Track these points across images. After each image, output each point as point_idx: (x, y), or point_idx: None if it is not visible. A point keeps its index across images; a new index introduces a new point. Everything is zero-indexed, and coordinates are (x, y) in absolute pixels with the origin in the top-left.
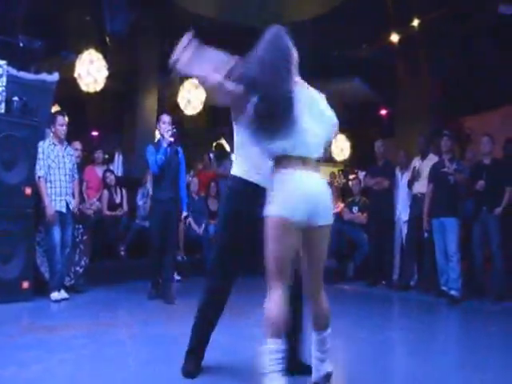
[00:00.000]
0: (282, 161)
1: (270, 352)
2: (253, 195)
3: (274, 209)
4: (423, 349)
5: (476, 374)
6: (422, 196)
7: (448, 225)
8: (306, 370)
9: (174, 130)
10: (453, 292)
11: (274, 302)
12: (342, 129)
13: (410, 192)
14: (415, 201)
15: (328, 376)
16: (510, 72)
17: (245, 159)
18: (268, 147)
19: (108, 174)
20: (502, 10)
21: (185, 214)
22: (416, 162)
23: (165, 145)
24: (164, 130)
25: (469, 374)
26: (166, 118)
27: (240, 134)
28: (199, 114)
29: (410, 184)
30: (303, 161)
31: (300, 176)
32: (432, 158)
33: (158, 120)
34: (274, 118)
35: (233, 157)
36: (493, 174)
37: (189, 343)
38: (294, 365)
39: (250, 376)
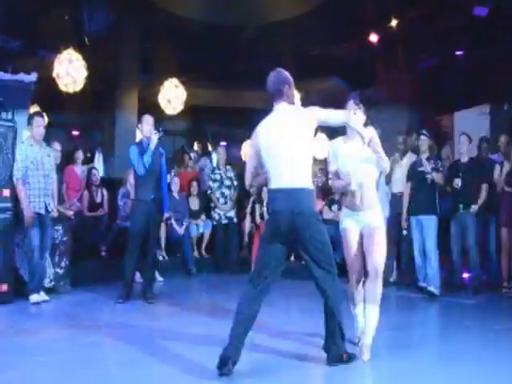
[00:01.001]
0: None
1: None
2: None
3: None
4: (401, 343)
5: (452, 368)
6: (400, 194)
7: (426, 223)
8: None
9: (162, 133)
10: (431, 288)
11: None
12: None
13: (389, 190)
14: (394, 199)
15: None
16: (486, 71)
17: None
18: None
19: (94, 171)
20: (476, 12)
21: (167, 215)
22: (393, 161)
23: (152, 147)
24: (148, 132)
25: (444, 368)
26: (149, 119)
27: None
28: (180, 113)
29: (387, 182)
30: None
31: None
32: (411, 157)
33: (140, 120)
34: None
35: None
36: (469, 172)
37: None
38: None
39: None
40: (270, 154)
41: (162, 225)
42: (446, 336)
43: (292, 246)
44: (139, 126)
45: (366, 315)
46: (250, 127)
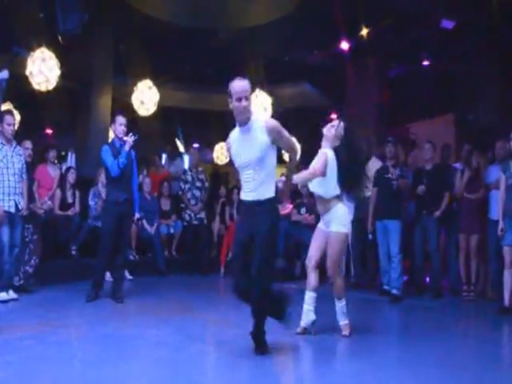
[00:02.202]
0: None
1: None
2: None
3: (346, 227)
4: (361, 345)
5: (408, 370)
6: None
7: (391, 227)
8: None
9: (137, 136)
10: (394, 291)
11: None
12: (294, 132)
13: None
14: (359, 203)
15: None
16: (451, 82)
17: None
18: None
19: (72, 170)
20: (444, 25)
21: (137, 215)
22: None
23: (127, 148)
24: (121, 132)
25: (401, 370)
26: (122, 119)
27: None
28: (153, 114)
29: None
30: None
31: None
32: (374, 162)
33: (113, 120)
34: None
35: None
36: (433, 179)
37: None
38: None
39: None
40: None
41: (133, 224)
42: (406, 338)
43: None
44: (112, 126)
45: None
46: (221, 130)
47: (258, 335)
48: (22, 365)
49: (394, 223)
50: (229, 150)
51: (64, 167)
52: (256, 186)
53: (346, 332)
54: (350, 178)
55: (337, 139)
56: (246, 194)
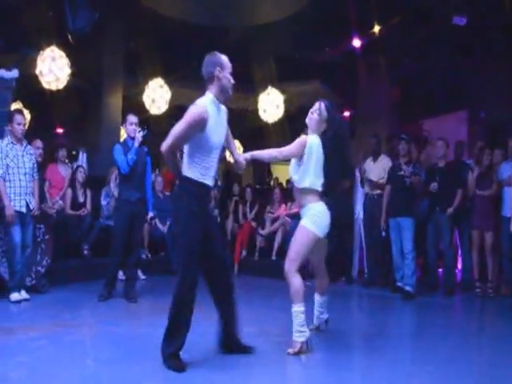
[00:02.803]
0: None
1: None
2: (207, 195)
3: (318, 228)
4: (375, 342)
5: (423, 367)
6: (374, 196)
7: (404, 224)
8: (243, 350)
9: (146, 131)
10: (407, 288)
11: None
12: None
13: (364, 191)
14: (369, 200)
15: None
16: (464, 78)
17: (199, 165)
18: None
19: (80, 169)
20: (455, 21)
21: (151, 214)
22: (367, 163)
23: (136, 145)
24: (132, 131)
25: (415, 367)
26: (133, 118)
27: (200, 146)
28: (164, 113)
29: (362, 183)
30: None
31: None
32: (383, 159)
33: (124, 120)
34: None
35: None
36: (445, 176)
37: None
38: (231, 344)
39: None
40: None
41: (146, 223)
42: (420, 334)
43: None
44: (124, 125)
45: None
46: (232, 127)
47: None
48: (34, 365)
49: (406, 220)
50: (204, 120)
51: (75, 166)
52: (216, 171)
53: (290, 350)
54: (335, 165)
55: (322, 122)
56: (210, 180)
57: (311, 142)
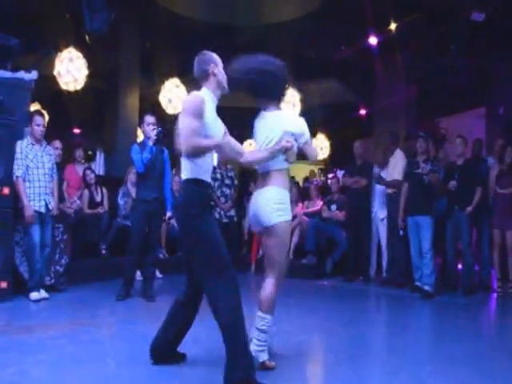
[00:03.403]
0: None
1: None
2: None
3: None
4: (395, 342)
5: (445, 367)
6: (391, 194)
7: (422, 223)
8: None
9: (160, 129)
10: (426, 287)
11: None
12: (322, 128)
13: (385, 190)
14: (390, 200)
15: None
16: (482, 75)
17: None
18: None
19: (88, 172)
20: (474, 17)
21: (169, 214)
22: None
23: (151, 143)
24: (149, 132)
25: (438, 367)
26: (150, 119)
27: None
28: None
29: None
30: None
31: None
32: (397, 154)
33: (141, 120)
34: None
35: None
36: (464, 174)
37: None
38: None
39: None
40: None
41: (163, 223)
42: (439, 335)
43: None
44: (141, 126)
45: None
46: (248, 127)
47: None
48: (55, 364)
49: (425, 219)
50: (201, 108)
51: (92, 167)
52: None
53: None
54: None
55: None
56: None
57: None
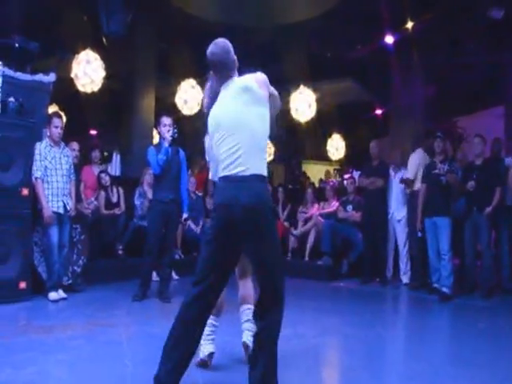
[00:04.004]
0: None
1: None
2: None
3: None
4: (414, 346)
5: (465, 371)
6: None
7: (440, 224)
8: None
9: (175, 131)
10: (444, 289)
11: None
12: (337, 129)
13: (405, 191)
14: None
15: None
16: (500, 73)
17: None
18: None
19: (103, 175)
20: (493, 14)
21: (185, 215)
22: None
23: (166, 144)
24: (164, 133)
25: (459, 371)
26: (166, 120)
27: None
28: (196, 114)
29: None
30: None
31: None
32: (419, 152)
33: (158, 122)
34: None
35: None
36: (483, 174)
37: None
38: None
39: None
40: None
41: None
42: (459, 338)
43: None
44: (158, 127)
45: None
46: None
47: None
48: (74, 364)
49: (443, 220)
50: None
51: (109, 168)
52: None
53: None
54: None
55: None
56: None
57: None
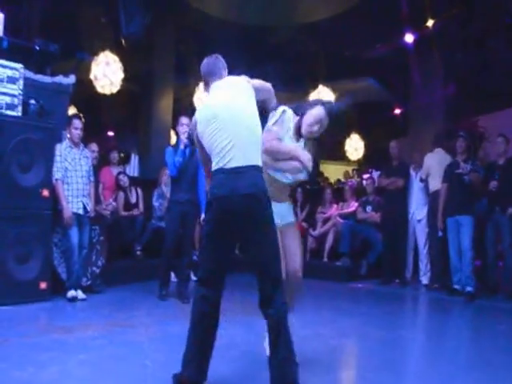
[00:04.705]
0: None
1: None
2: None
3: None
4: (435, 347)
5: (487, 373)
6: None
7: (463, 223)
8: None
9: (191, 132)
10: (469, 288)
11: None
12: (356, 128)
13: (427, 190)
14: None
15: None
16: None
17: None
18: None
19: (121, 176)
20: None
21: (204, 216)
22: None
23: (182, 146)
24: (183, 133)
25: (480, 372)
26: (184, 120)
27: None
28: None
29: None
30: None
31: None
32: (438, 152)
33: (177, 121)
34: None
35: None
36: (506, 174)
37: None
38: None
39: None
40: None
41: (197, 225)
42: (480, 340)
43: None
44: (176, 127)
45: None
46: None
47: None
48: (95, 364)
49: (466, 219)
50: None
51: (127, 169)
52: None
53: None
54: None
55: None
56: None
57: None
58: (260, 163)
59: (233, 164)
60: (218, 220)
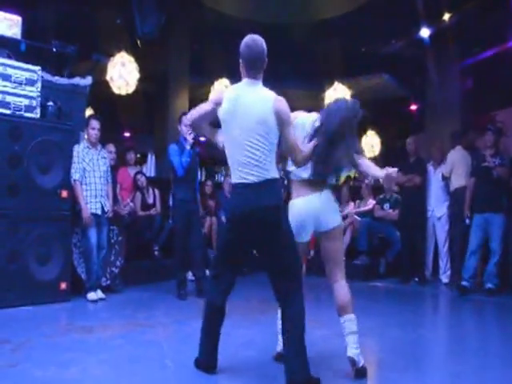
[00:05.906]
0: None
1: None
2: None
3: None
4: (457, 345)
5: (511, 372)
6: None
7: (493, 220)
8: None
9: (196, 134)
10: (489, 285)
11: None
12: (372, 125)
13: (447, 187)
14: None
15: None
16: None
17: None
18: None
19: (139, 176)
20: None
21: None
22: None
23: (188, 147)
24: (186, 133)
25: (504, 372)
26: (185, 119)
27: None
28: None
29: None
30: None
31: None
32: (458, 150)
33: (179, 120)
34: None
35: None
36: None
37: None
38: None
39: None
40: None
41: (214, 223)
42: (503, 339)
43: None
44: (179, 125)
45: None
46: None
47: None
48: (115, 364)
49: (496, 217)
50: None
51: (144, 169)
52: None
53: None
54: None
55: None
56: None
57: None
58: (276, 174)
59: (250, 179)
60: (236, 230)
